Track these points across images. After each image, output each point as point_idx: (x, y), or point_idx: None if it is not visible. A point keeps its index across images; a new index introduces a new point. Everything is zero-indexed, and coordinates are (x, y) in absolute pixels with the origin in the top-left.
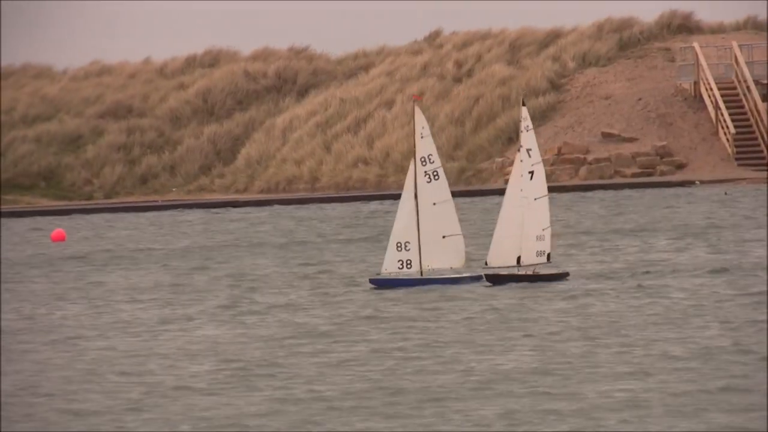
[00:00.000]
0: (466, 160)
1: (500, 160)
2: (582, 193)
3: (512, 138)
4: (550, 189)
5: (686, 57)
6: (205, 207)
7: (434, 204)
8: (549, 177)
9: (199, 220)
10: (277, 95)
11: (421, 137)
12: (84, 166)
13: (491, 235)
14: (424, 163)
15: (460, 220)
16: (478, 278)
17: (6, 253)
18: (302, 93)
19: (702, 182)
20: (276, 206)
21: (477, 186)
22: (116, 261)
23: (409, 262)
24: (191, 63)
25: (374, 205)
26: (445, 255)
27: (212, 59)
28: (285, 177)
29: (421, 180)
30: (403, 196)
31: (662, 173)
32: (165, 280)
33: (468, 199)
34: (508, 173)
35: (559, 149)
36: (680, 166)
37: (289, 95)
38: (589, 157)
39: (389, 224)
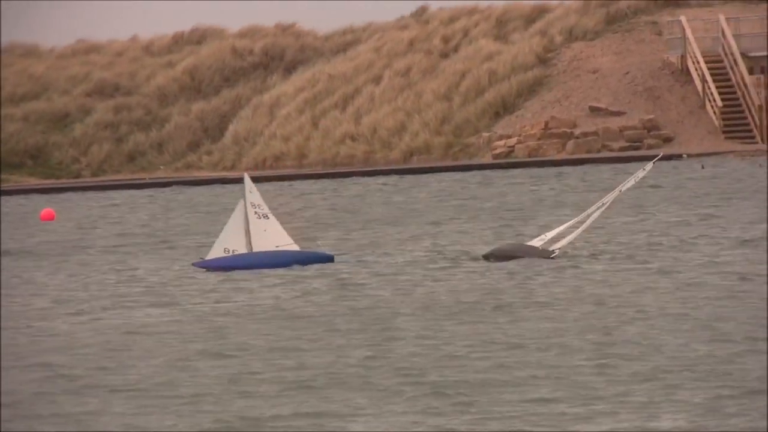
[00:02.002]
0: (453, 135)
1: (487, 134)
2: (565, 168)
3: (499, 113)
4: (538, 164)
5: (673, 30)
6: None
7: (264, 230)
8: (536, 151)
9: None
10: (265, 72)
11: (250, 192)
12: (72, 145)
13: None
14: (253, 206)
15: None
16: (325, 258)
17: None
18: (289, 70)
19: (689, 155)
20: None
21: (464, 161)
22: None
23: None
24: (178, 40)
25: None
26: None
27: (199, 37)
28: (272, 154)
29: (252, 214)
30: (235, 210)
31: (650, 147)
32: None
33: (458, 174)
34: (495, 148)
35: (546, 123)
36: (667, 140)
37: (277, 72)
38: (577, 131)
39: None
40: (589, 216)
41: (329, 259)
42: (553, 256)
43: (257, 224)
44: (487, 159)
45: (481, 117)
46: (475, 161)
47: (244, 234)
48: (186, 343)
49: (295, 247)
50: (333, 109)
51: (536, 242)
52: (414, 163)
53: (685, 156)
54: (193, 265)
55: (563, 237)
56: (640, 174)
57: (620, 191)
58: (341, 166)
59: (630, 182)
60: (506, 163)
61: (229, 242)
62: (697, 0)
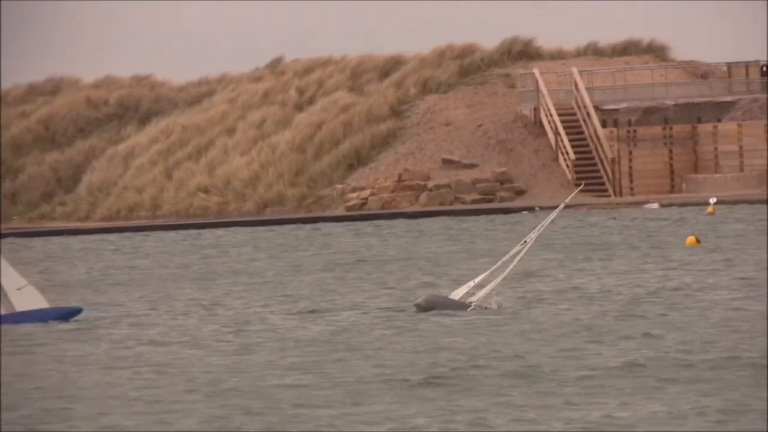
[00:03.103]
0: (306, 187)
1: (341, 186)
2: (419, 220)
3: (353, 165)
4: (391, 216)
5: (526, 83)
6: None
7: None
8: (389, 204)
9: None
10: (119, 123)
11: None
12: None
13: None
14: None
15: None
16: (71, 313)
17: None
18: (144, 120)
19: (542, 208)
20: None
21: (317, 213)
22: None
23: None
24: (33, 91)
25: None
26: (31, 302)
27: (54, 87)
28: (126, 204)
29: None
30: None
31: (502, 199)
32: None
33: (310, 226)
34: (349, 200)
35: (400, 176)
36: (520, 192)
37: (131, 123)
38: (430, 184)
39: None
40: (512, 259)
41: (78, 311)
42: (469, 309)
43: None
44: (341, 211)
45: (335, 169)
46: (328, 213)
47: None
48: None
49: (32, 287)
50: (187, 161)
51: (463, 289)
52: (267, 215)
53: (537, 209)
54: None
55: (487, 283)
56: (561, 206)
57: (541, 228)
58: (195, 217)
59: (553, 215)
60: (359, 215)
61: None
62: (550, 52)
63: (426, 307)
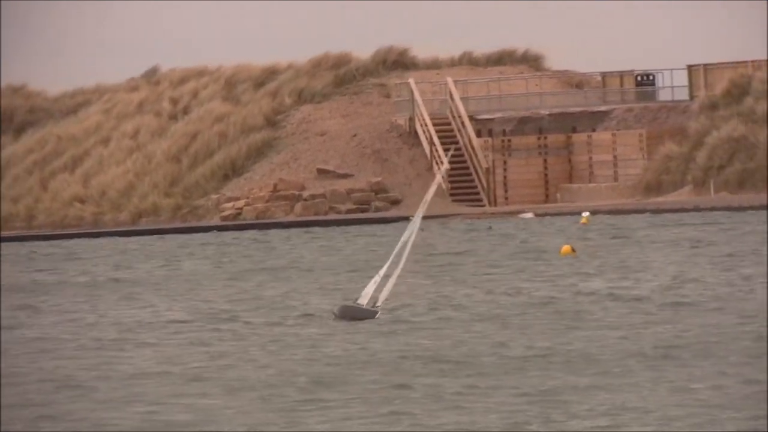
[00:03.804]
0: (181, 197)
1: (216, 196)
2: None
3: (228, 175)
4: (266, 226)
5: (401, 93)
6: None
7: None
8: (264, 214)
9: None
10: None
11: None
12: None
13: None
14: None
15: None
16: None
17: None
18: (19, 131)
19: None
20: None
21: (193, 223)
22: None
23: None
24: None
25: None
26: None
27: None
28: (1, 215)
29: None
30: None
31: (377, 209)
32: None
33: (186, 236)
34: (224, 210)
35: (275, 186)
36: (395, 202)
37: (7, 133)
38: (305, 194)
39: None
40: (405, 246)
41: None
42: (376, 315)
43: None
44: (216, 221)
45: (210, 179)
46: (203, 223)
47: None
48: None
49: None
50: (62, 171)
51: (370, 287)
52: (143, 225)
53: (412, 218)
54: None
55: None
56: (439, 178)
57: (426, 201)
58: (70, 227)
59: (432, 189)
60: (234, 225)
61: None
62: (426, 62)
63: (341, 316)
